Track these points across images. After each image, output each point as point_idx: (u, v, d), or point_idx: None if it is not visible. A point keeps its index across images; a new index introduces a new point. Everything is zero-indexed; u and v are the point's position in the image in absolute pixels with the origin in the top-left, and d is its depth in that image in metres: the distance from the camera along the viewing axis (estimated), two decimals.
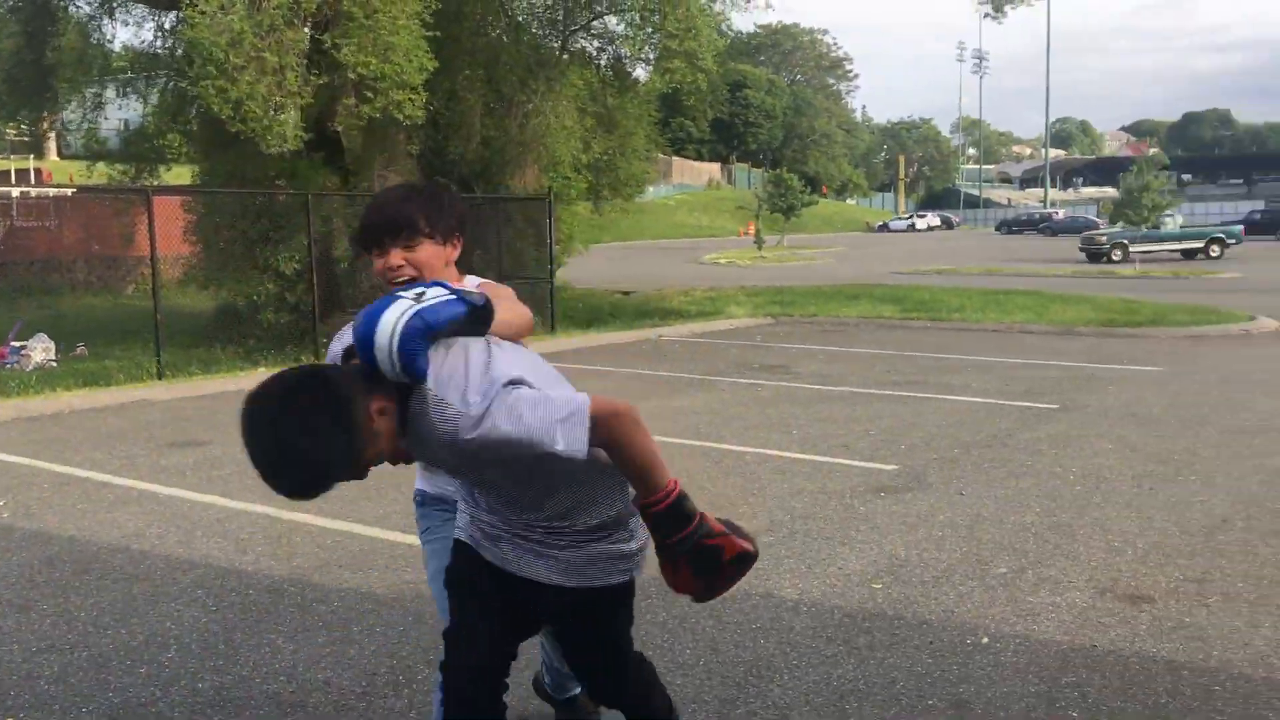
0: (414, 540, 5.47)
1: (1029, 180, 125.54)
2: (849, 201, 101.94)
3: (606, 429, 2.22)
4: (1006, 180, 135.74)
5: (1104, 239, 36.00)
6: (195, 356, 12.66)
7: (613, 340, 15.01)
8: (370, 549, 5.36)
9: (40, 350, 13.14)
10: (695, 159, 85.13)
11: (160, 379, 11.26)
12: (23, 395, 10.10)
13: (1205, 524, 5.63)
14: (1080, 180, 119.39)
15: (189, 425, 8.99)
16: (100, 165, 18.68)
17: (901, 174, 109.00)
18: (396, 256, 2.61)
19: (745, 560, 2.33)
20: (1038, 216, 71.47)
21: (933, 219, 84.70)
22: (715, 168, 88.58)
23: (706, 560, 2.30)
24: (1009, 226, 73.26)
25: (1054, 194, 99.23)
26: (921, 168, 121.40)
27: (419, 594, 4.70)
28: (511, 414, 2.16)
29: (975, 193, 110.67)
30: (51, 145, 42.97)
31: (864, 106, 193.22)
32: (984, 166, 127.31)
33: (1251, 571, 4.87)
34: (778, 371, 11.72)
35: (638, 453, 2.26)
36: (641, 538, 2.53)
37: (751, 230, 48.40)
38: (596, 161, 18.99)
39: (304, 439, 2.12)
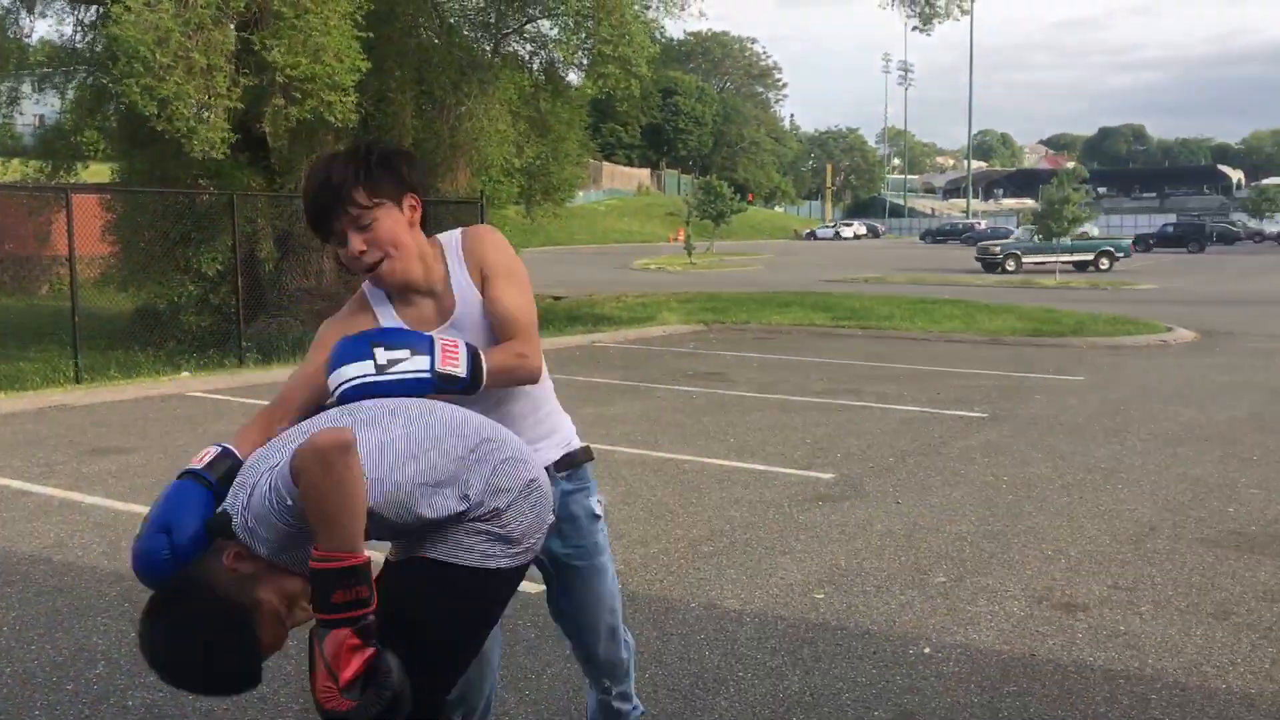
0: None
1: (952, 191, 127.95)
2: (777, 209, 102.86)
3: (296, 473, 1.91)
4: (930, 190, 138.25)
5: (998, 249, 37.56)
6: (114, 359, 12.31)
7: (544, 346, 14.90)
8: None
9: None
10: (626, 164, 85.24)
11: (78, 382, 10.93)
12: None
13: (1134, 532, 5.74)
14: (1001, 191, 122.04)
15: (110, 431, 8.74)
16: (15, 162, 18.13)
17: (829, 182, 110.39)
18: (355, 240, 2.35)
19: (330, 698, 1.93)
20: (961, 226, 72.78)
21: (859, 227, 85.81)
22: (645, 173, 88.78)
23: (309, 658, 1.97)
24: (933, 236, 74.57)
25: (976, 204, 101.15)
26: (848, 176, 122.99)
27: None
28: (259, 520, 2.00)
29: (900, 202, 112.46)
30: None
31: (792, 115, 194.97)
32: (909, 176, 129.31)
33: (1181, 579, 4.98)
34: (712, 379, 11.75)
35: (310, 499, 1.90)
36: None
37: (681, 236, 48.58)
38: (529, 166, 18.90)
39: (190, 646, 1.99)
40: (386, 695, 1.92)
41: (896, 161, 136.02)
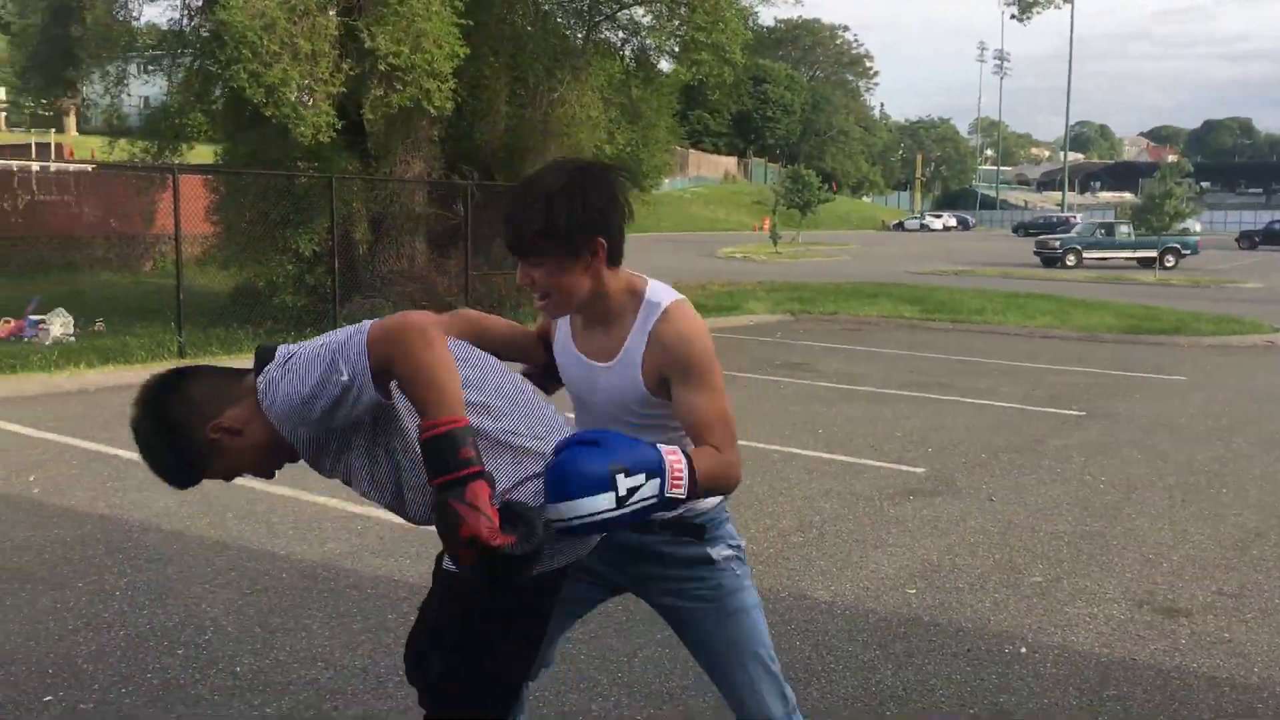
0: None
1: (1046, 183, 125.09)
2: (865, 199, 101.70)
3: (385, 343, 1.94)
4: (1024, 182, 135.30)
5: (1057, 244, 36.54)
6: (215, 336, 12.67)
7: None
8: (400, 537, 5.34)
9: (59, 325, 13.17)
10: (713, 152, 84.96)
11: (182, 357, 11.27)
12: (46, 370, 10.11)
13: (1239, 537, 5.59)
14: (1098, 184, 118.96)
15: None
16: (122, 142, 18.69)
17: (919, 173, 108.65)
18: (522, 273, 2.27)
19: (475, 544, 1.89)
20: (1055, 220, 71.16)
21: (949, 219, 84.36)
22: (732, 161, 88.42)
23: (444, 522, 1.91)
24: (1025, 229, 72.96)
25: (1071, 197, 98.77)
26: (939, 167, 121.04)
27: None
28: (288, 371, 2.02)
29: (992, 194, 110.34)
30: (71, 120, 43.02)
31: (882, 104, 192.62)
32: (1001, 168, 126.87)
33: None
34: (800, 369, 11.69)
35: (411, 369, 1.94)
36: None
37: (767, 225, 48.32)
38: (619, 152, 18.95)
39: (151, 446, 2.15)
40: (537, 523, 1.97)
41: (989, 153, 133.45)
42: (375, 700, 3.58)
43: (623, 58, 18.38)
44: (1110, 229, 36.46)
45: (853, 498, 6.28)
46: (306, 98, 11.98)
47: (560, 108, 16.74)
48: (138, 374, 10.22)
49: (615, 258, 2.28)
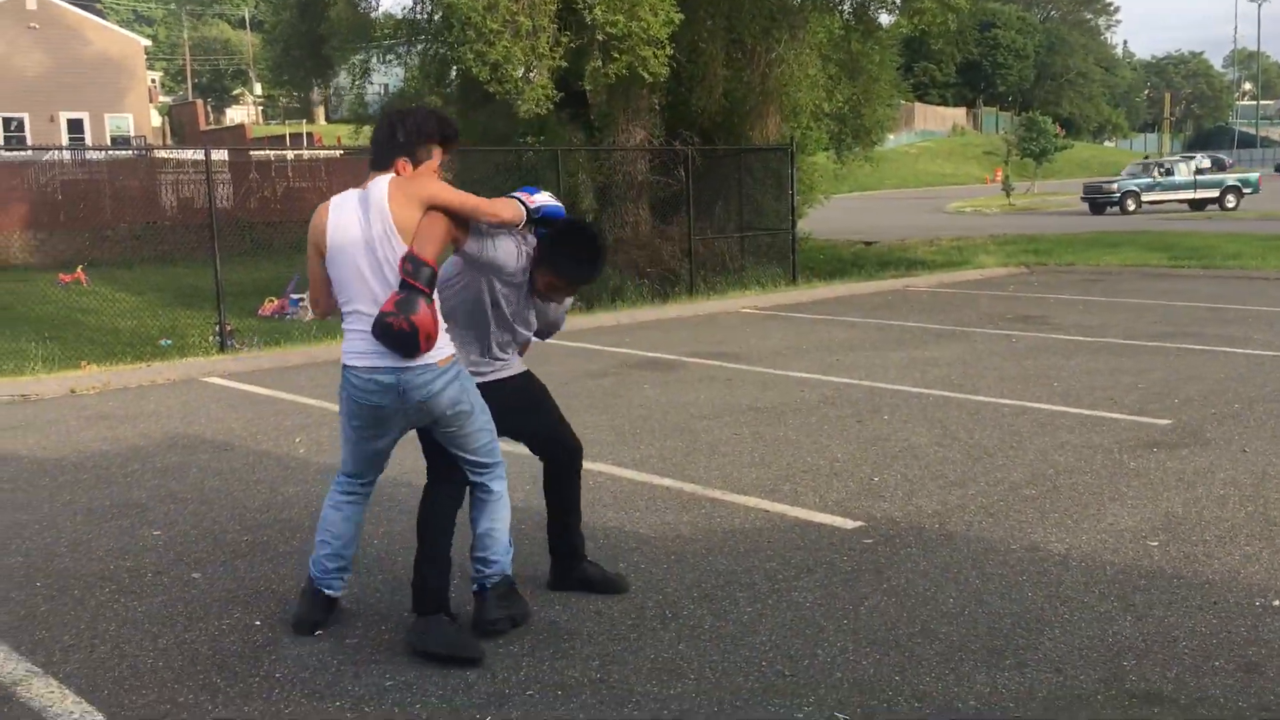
0: (671, 483, 5.65)
1: None
2: (1107, 144, 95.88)
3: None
4: None
5: (1114, 187, 33.46)
6: None
7: (856, 291, 14.80)
8: (631, 490, 5.54)
9: None
10: (939, 104, 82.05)
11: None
12: (306, 343, 10.94)
13: None
14: None
15: None
16: (365, 128, 19.86)
17: (1167, 113, 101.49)
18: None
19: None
20: None
21: (1202, 160, 78.49)
22: (960, 113, 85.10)
23: None
24: None
25: None
26: (1190, 106, 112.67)
27: (679, 534, 4.85)
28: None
29: (1251, 131, 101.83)
30: (320, 110, 45.94)
31: (1125, 42, 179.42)
32: (1261, 102, 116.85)
33: None
34: (1034, 322, 11.26)
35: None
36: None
37: (999, 177, 46.37)
38: (839, 110, 18.65)
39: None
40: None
41: (1248, 86, 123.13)
42: (608, 642, 3.76)
43: (841, 13, 18.02)
44: (1170, 169, 33.53)
45: (1089, 450, 6.05)
46: (530, 73, 12.39)
47: (778, 68, 16.61)
48: None
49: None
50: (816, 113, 17.98)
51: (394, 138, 3.67)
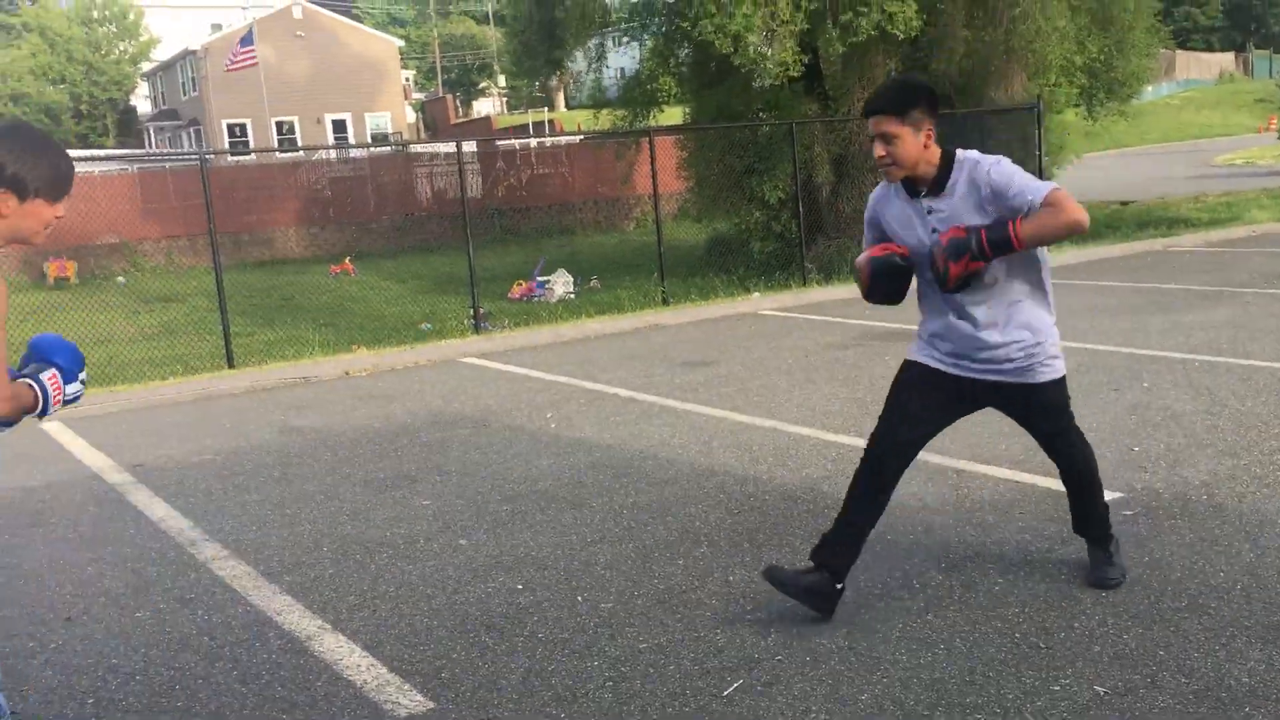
0: (922, 458, 5.57)
1: None
2: None
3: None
4: None
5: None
6: (693, 285, 13.57)
7: (1111, 253, 14.03)
8: None
9: (561, 284, 14.77)
10: (1203, 50, 76.11)
11: (665, 305, 12.21)
12: (553, 323, 11.41)
13: None
14: None
15: (695, 346, 9.68)
16: (603, 113, 20.38)
17: None
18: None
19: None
20: None
21: None
22: (1228, 58, 78.60)
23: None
24: None
25: None
26: None
27: (924, 505, 4.81)
28: None
29: None
30: (560, 98, 47.37)
31: None
32: None
33: None
34: None
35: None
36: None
37: (1273, 125, 42.59)
38: (1090, 63, 17.63)
39: None
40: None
41: None
42: (857, 612, 3.79)
43: None
44: None
45: None
46: (768, 42, 12.39)
47: (1023, 23, 15.84)
48: (628, 322, 11.27)
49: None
50: (1066, 67, 17.08)
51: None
